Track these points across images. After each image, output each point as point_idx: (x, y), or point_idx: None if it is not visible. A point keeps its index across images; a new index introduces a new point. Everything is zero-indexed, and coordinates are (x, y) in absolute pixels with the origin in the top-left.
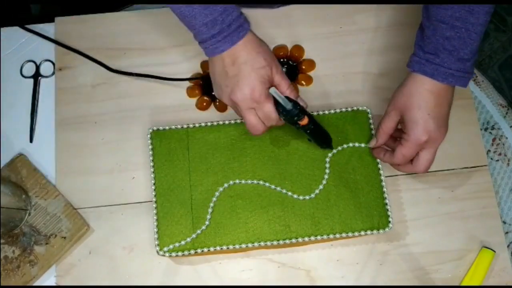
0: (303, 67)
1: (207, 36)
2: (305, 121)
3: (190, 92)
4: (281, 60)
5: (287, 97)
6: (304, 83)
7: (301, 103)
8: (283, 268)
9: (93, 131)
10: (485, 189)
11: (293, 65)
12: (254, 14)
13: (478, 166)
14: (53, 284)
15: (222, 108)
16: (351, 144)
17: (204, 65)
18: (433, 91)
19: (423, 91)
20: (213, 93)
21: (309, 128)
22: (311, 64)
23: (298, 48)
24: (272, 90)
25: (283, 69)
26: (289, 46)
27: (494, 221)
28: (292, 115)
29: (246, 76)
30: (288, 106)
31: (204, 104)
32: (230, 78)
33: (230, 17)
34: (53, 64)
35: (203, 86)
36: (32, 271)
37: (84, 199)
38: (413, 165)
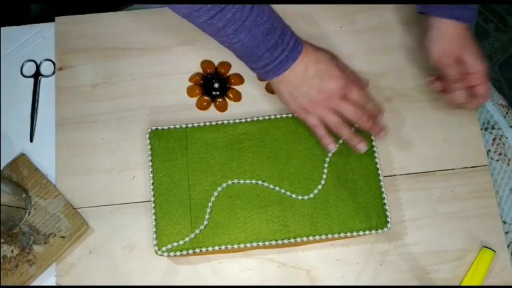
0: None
1: (269, 60)
2: None
3: (190, 92)
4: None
5: None
6: None
7: None
8: (283, 268)
9: (93, 131)
10: (485, 189)
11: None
12: None
13: (478, 166)
14: (53, 283)
15: (222, 107)
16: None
17: (204, 65)
18: (465, 28)
19: (462, 33)
20: (213, 93)
21: None
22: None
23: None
24: None
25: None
26: None
27: (494, 221)
28: None
29: (327, 68)
30: None
31: (204, 104)
32: (312, 79)
33: (288, 37)
34: (53, 63)
35: (203, 86)
36: (30, 270)
37: (84, 198)
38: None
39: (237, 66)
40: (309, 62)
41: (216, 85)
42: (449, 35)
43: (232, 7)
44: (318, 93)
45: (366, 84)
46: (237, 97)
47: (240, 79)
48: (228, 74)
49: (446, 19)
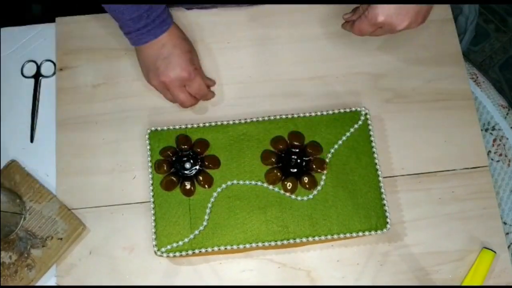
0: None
1: (133, 29)
2: None
3: (157, 167)
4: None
5: None
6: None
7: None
8: (284, 269)
9: (94, 131)
10: (486, 190)
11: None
12: (253, 14)
13: (478, 167)
14: (54, 284)
15: (188, 192)
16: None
17: (180, 139)
18: None
19: None
20: (184, 172)
21: None
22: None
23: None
24: None
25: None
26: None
27: (494, 222)
28: None
29: (176, 57)
30: None
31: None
32: (162, 60)
33: (155, 13)
34: (54, 64)
35: (173, 163)
36: (30, 274)
37: (84, 199)
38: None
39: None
40: (167, 43)
41: (187, 165)
42: None
43: None
44: (161, 75)
45: (212, 83)
46: (208, 182)
47: (216, 162)
48: (204, 154)
49: None
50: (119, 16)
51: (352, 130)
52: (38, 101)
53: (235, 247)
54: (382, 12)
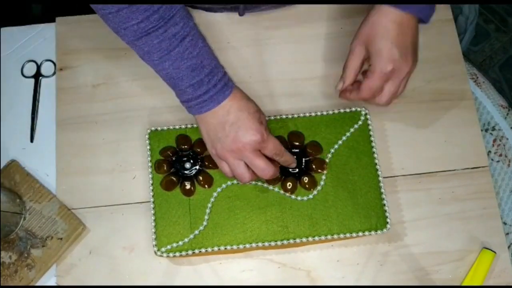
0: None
1: (192, 96)
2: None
3: (157, 167)
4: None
5: None
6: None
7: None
8: (284, 269)
9: (94, 131)
10: (486, 190)
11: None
12: (254, 14)
13: (478, 167)
14: (54, 284)
15: (188, 192)
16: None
17: (180, 139)
18: (396, 20)
19: (386, 21)
20: (184, 172)
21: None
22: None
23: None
24: None
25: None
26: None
27: (494, 222)
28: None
29: (245, 119)
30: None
31: (170, 185)
32: (230, 126)
33: (216, 78)
34: (54, 64)
35: (173, 163)
36: (30, 274)
37: (84, 199)
38: (376, 98)
39: None
40: (232, 108)
41: (187, 165)
42: (369, 19)
43: (161, 34)
44: (232, 143)
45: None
46: (208, 182)
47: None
48: (204, 154)
49: (388, 6)
50: (178, 83)
51: (352, 130)
52: (38, 101)
53: (235, 247)
54: (388, 60)
